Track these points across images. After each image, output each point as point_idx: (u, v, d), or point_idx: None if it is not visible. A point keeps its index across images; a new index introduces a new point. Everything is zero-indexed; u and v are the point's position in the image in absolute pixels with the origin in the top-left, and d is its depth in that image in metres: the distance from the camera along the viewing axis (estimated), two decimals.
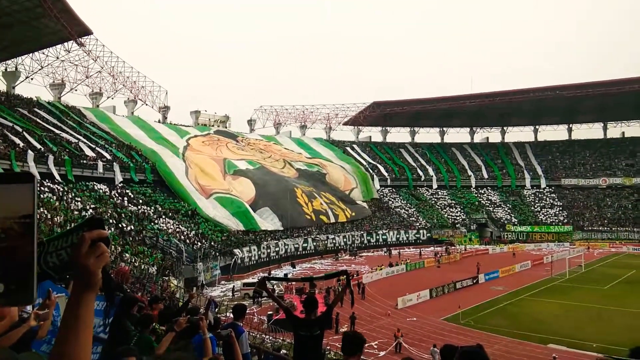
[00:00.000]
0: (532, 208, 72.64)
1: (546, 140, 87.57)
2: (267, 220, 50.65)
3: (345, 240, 57.26)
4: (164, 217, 42.39)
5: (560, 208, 71.51)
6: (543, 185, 76.37)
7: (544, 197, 74.76)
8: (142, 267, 29.97)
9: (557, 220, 68.88)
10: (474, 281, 38.34)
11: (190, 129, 67.18)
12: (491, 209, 72.50)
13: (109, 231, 33.58)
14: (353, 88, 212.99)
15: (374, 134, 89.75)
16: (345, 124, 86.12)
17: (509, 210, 72.16)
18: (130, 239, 34.69)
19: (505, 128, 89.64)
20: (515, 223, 69.30)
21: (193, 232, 42.13)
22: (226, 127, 75.72)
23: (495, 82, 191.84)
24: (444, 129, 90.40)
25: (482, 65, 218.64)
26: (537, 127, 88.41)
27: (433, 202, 73.62)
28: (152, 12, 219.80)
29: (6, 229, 0.71)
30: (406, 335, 24.28)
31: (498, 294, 34.60)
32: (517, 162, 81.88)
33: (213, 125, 73.67)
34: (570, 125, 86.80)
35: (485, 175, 78.90)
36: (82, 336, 0.89)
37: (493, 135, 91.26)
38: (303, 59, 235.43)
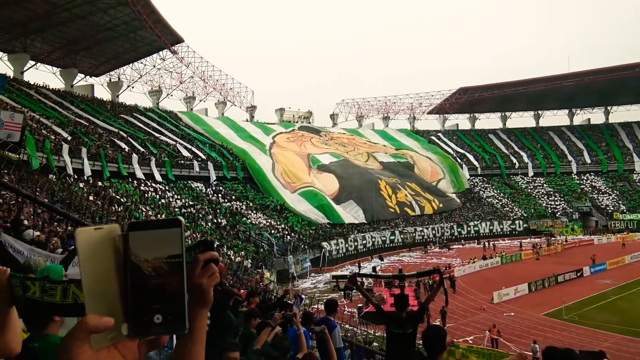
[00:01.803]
0: None
1: None
2: (351, 214, 50.88)
3: (434, 232, 55.85)
4: (255, 212, 44.15)
5: None
6: None
7: None
8: (237, 261, 31.44)
9: None
10: (578, 274, 35.68)
11: (276, 127, 69.20)
12: (595, 196, 66.85)
13: (207, 226, 35.65)
14: (436, 76, 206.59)
15: (461, 121, 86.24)
16: (430, 112, 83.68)
17: (616, 197, 66.08)
18: (225, 233, 36.54)
19: (609, 108, 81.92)
20: (624, 211, 63.27)
21: (282, 225, 43.43)
22: (310, 123, 76.97)
23: (594, 61, 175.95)
24: (539, 112, 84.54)
25: (578, 43, 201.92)
26: None
27: (529, 190, 69.38)
28: (236, 17, 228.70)
29: (157, 267, 0.83)
30: (504, 331, 23.18)
31: (606, 288, 31.91)
32: (624, 144, 74.59)
33: (297, 122, 75.27)
34: None
35: (588, 160, 72.84)
36: (197, 348, 0.99)
37: (595, 116, 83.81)
38: (384, 52, 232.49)
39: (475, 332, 23.54)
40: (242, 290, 12.26)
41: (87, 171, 33.67)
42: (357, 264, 42.88)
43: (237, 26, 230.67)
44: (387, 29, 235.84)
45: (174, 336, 0.90)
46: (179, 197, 39.70)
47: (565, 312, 26.06)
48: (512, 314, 27.19)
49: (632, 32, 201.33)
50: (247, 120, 68.90)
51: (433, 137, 79.47)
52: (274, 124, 71.34)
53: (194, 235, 31.02)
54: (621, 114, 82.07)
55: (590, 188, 68.68)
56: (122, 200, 31.28)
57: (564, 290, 30.45)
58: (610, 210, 63.97)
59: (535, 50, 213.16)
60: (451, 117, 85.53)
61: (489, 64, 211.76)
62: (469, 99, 76.90)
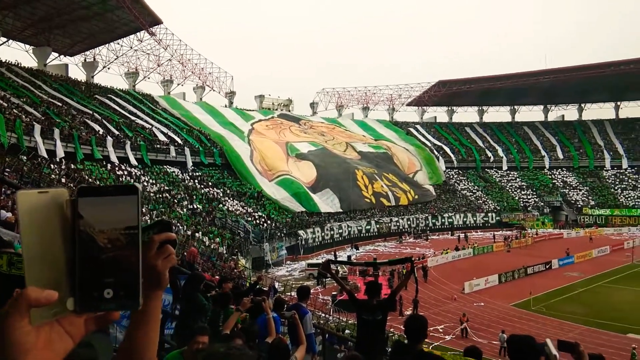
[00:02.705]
0: (612, 190, 67.87)
1: (629, 118, 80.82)
2: (327, 202, 51.04)
3: (409, 222, 56.53)
4: (231, 198, 43.91)
5: None
6: (625, 165, 71.04)
7: (626, 178, 69.56)
8: (212, 247, 31.30)
9: None
10: (547, 266, 36.68)
11: (255, 113, 68.63)
12: (566, 191, 68.57)
13: (182, 212, 35.33)
14: (417, 68, 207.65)
15: (439, 114, 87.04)
16: (409, 104, 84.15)
17: (586, 193, 67.93)
18: (201, 219, 36.27)
19: (582, 105, 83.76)
20: (593, 206, 65.14)
21: (259, 213, 43.33)
22: (289, 111, 76.59)
23: (570, 58, 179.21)
24: (515, 107, 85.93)
25: (556, 41, 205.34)
26: (618, 103, 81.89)
27: (503, 184, 70.72)
28: (217, 1, 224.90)
29: (113, 239, 0.76)
30: (473, 320, 23.79)
31: (573, 280, 32.94)
32: (596, 141, 76.53)
33: (277, 109, 74.79)
34: None
35: (560, 156, 74.54)
36: (150, 330, 0.95)
37: (569, 112, 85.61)
38: (364, 41, 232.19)
39: (446, 322, 24.06)
40: (216, 277, 12.24)
41: (60, 153, 32.89)
42: (332, 253, 43.14)
43: (218, 11, 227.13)
44: (370, 19, 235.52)
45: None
46: (154, 181, 39.16)
47: (533, 303, 26.81)
48: (482, 304, 27.84)
49: (607, 31, 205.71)
50: (225, 106, 68.10)
51: (411, 129, 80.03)
52: (253, 110, 70.73)
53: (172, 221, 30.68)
54: (594, 111, 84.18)
55: (561, 183, 70.39)
56: (95, 183, 30.72)
57: (532, 282, 31.29)
58: (580, 205, 65.75)
59: (514, 47, 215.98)
60: (429, 110, 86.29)
61: (469, 58, 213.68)
62: (448, 92, 77.58)
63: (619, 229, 59.11)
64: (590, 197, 66.93)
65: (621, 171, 70.81)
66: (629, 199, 65.52)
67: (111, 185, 0.79)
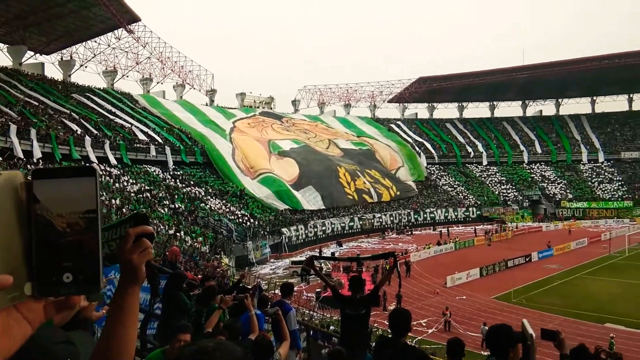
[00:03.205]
0: (589, 183, 69.33)
1: (604, 112, 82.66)
2: (310, 199, 51.07)
3: (391, 218, 56.92)
4: (214, 197, 43.62)
5: (620, 183, 67.81)
6: (601, 159, 72.59)
7: (602, 171, 71.10)
8: (195, 246, 31.08)
9: (616, 196, 65.44)
10: (527, 259, 37.32)
11: (236, 111, 68.21)
12: (545, 185, 69.81)
13: (164, 212, 34.98)
14: (398, 65, 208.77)
15: (420, 110, 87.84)
16: (390, 101, 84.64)
17: (564, 186, 69.24)
18: (183, 219, 35.96)
19: (560, 100, 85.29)
20: (571, 199, 66.47)
21: (242, 211, 43.14)
22: (271, 109, 76.30)
23: (548, 54, 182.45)
24: (494, 103, 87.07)
25: (533, 36, 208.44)
26: (594, 98, 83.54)
27: (483, 179, 71.68)
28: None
29: (72, 223, 0.74)
30: (456, 314, 24.09)
31: (552, 273, 33.57)
32: (573, 135, 78.03)
33: (258, 107, 74.45)
34: (631, 95, 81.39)
35: (539, 150, 75.82)
36: (128, 327, 0.94)
37: (547, 108, 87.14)
38: (346, 39, 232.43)
39: (429, 316, 24.32)
40: (198, 276, 12.18)
41: (37, 153, 32.30)
42: (319, 250, 43.08)
43: (198, 8, 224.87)
44: (350, 16, 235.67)
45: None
46: (134, 181, 38.68)
47: (513, 296, 27.26)
48: (464, 297, 28.20)
49: (582, 27, 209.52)
50: (206, 104, 67.54)
51: (393, 125, 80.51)
52: (234, 108, 70.27)
53: (152, 221, 30.40)
54: (571, 106, 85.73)
55: (540, 177, 71.60)
56: None
57: (513, 275, 31.80)
58: (558, 199, 66.99)
59: (494, 42, 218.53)
60: (410, 106, 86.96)
61: (449, 56, 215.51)
62: (428, 89, 78.24)
63: (596, 222, 60.45)
64: (568, 191, 68.25)
65: (598, 165, 72.34)
66: (605, 192, 66.99)
67: (67, 167, 0.76)
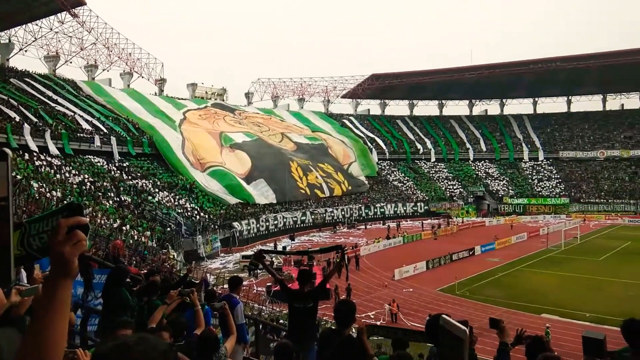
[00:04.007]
0: (530, 181, 72.85)
1: (545, 113, 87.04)
2: (262, 193, 50.76)
3: (343, 213, 57.58)
4: (162, 190, 42.48)
5: (558, 180, 71.70)
6: (541, 157, 76.39)
7: (542, 169, 74.88)
8: (141, 241, 30.19)
9: (554, 193, 69.16)
10: (470, 253, 38.77)
11: (187, 102, 66.57)
12: (489, 181, 72.69)
13: (108, 204, 33.73)
14: (351, 60, 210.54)
15: (372, 106, 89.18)
16: (344, 96, 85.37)
17: (506, 183, 72.38)
18: (129, 212, 34.82)
19: (504, 100, 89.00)
20: (513, 196, 69.61)
21: (192, 205, 42.30)
22: (223, 100, 75.03)
23: (494, 54, 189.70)
24: (443, 101, 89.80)
25: (481, 37, 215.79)
26: (536, 99, 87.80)
27: (431, 175, 73.75)
28: None
29: None
30: (403, 306, 24.72)
31: (494, 266, 35.02)
32: (516, 134, 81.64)
33: (210, 99, 73.00)
34: (570, 98, 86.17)
35: (484, 148, 78.80)
36: (58, 321, 0.88)
37: (492, 107, 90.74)
38: (301, 31, 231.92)
39: (377, 308, 24.80)
40: (143, 270, 11.86)
41: None
42: (274, 244, 42.90)
43: None
44: (305, 10, 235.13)
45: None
46: (77, 172, 37.03)
47: (457, 288, 28.27)
48: (411, 289, 28.98)
49: (529, 29, 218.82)
50: (155, 94, 65.56)
51: (345, 121, 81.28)
52: (185, 99, 68.54)
53: (96, 214, 29.26)
54: (514, 106, 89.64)
55: (484, 174, 74.49)
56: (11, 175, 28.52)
57: (457, 268, 33.00)
58: (500, 195, 69.97)
59: (444, 42, 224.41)
60: (363, 102, 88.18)
61: (402, 54, 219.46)
62: (380, 86, 79.50)
63: (536, 217, 63.68)
64: (510, 187, 71.41)
65: (538, 163, 76.05)
66: (544, 189, 70.60)
67: None
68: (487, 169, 75.57)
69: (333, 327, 4.57)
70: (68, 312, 0.92)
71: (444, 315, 2.68)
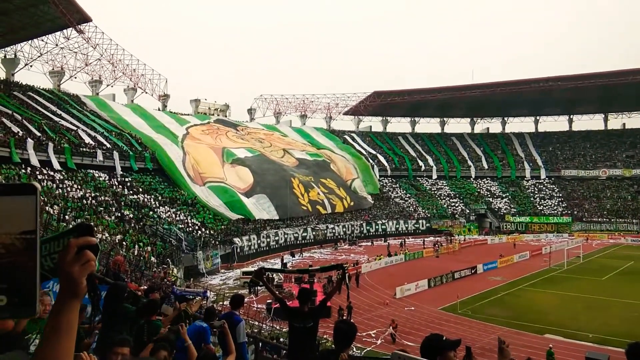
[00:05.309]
0: (532, 199, 72.69)
1: (547, 131, 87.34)
2: (264, 207, 50.69)
3: (344, 229, 57.40)
4: (163, 205, 42.45)
5: (560, 199, 71.54)
6: (543, 176, 76.35)
7: (544, 188, 74.78)
8: (142, 256, 30.06)
9: (556, 212, 68.93)
10: (473, 271, 38.49)
11: (190, 118, 66.97)
12: (490, 199, 72.56)
13: (110, 219, 33.68)
14: (354, 79, 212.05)
15: (374, 123, 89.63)
16: (346, 113, 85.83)
17: (508, 201, 72.23)
18: (130, 227, 34.75)
19: (505, 119, 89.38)
20: (515, 213, 69.38)
21: (193, 220, 42.21)
22: (226, 116, 75.46)
23: (496, 73, 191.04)
24: (444, 119, 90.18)
25: (483, 56, 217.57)
26: (537, 117, 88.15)
27: (433, 192, 73.68)
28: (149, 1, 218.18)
29: (7, 244, 0.68)
30: (404, 325, 24.44)
31: (496, 284, 34.73)
32: (517, 152, 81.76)
33: (213, 114, 73.42)
34: (571, 116, 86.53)
35: (485, 166, 78.86)
36: (65, 342, 0.88)
37: (493, 125, 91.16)
38: (304, 48, 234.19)
39: (378, 327, 24.53)
40: (143, 287, 11.79)
41: None
42: (281, 260, 42.57)
43: (151, 11, 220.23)
44: (306, 26, 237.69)
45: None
46: (79, 187, 37.08)
47: (459, 307, 27.99)
48: (412, 308, 28.69)
49: (528, 49, 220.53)
50: (159, 109, 65.99)
51: (347, 137, 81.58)
52: (188, 115, 68.98)
53: (97, 229, 29.19)
54: (516, 125, 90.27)
55: (486, 192, 74.38)
56: None
57: (459, 286, 32.71)
58: (502, 213, 69.76)
59: (445, 60, 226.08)
60: (365, 119, 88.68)
61: (403, 72, 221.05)
62: (382, 103, 79.92)
63: (538, 236, 63.37)
64: (512, 205, 71.22)
65: (540, 181, 75.98)
66: (546, 207, 70.40)
67: (5, 184, 0.71)
68: (489, 187, 75.50)
69: (331, 348, 4.51)
70: (75, 332, 0.91)
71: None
